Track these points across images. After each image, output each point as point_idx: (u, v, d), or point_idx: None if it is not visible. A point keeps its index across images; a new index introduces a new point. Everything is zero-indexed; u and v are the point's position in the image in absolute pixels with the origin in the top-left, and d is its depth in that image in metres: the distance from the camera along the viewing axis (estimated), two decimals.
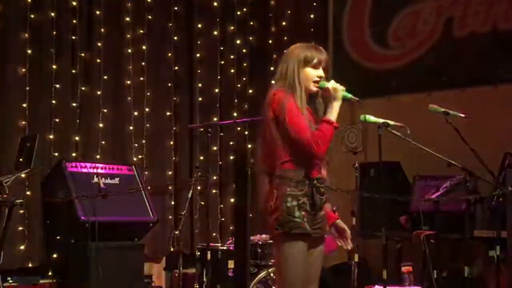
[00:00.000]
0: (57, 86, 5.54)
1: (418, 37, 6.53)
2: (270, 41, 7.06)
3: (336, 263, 6.10)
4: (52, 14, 5.52)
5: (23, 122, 5.32)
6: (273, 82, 3.39)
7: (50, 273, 5.30)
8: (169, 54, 6.36)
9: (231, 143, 6.69)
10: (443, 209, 5.35)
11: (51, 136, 5.47)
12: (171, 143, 6.33)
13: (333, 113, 3.24)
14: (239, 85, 6.84)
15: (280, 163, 3.18)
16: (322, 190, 3.25)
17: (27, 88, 5.35)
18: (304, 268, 3.22)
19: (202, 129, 6.02)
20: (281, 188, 3.15)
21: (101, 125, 5.80)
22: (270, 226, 3.17)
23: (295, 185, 3.15)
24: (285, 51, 3.40)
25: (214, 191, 6.50)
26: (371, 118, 4.10)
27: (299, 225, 3.13)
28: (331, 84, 3.28)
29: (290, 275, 3.16)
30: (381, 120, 4.05)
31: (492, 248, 4.82)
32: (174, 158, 6.35)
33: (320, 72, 3.31)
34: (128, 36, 6.04)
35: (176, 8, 6.43)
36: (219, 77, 6.72)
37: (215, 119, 6.54)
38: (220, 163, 6.60)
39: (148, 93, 6.17)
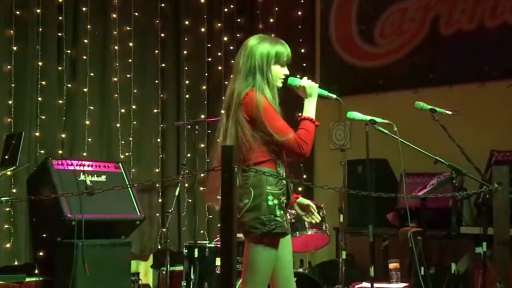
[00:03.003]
0: (43, 83, 5.50)
1: (405, 34, 6.54)
2: None
3: (323, 260, 6.11)
4: (38, 10, 5.48)
5: (9, 119, 5.28)
6: (235, 76, 3.28)
7: (36, 271, 5.27)
8: (156, 51, 6.33)
9: (219, 140, 6.67)
10: (430, 206, 5.36)
11: (37, 133, 5.43)
12: (158, 140, 6.31)
13: (312, 110, 3.22)
14: (226, 82, 6.82)
15: (255, 163, 3.12)
16: (292, 187, 3.23)
17: (13, 85, 5.31)
18: (285, 264, 3.23)
19: (189, 126, 6.01)
20: (260, 187, 3.09)
21: (87, 122, 5.76)
22: (247, 225, 3.10)
23: (275, 184, 3.10)
24: (246, 44, 3.28)
25: (201, 188, 6.48)
26: (358, 115, 4.11)
27: (281, 224, 3.10)
28: (305, 82, 3.26)
29: (264, 274, 3.13)
30: (368, 117, 4.06)
31: (478, 244, 4.84)
32: (161, 155, 6.33)
33: (286, 70, 3.27)
34: (115, 33, 6.01)
35: (162, 5, 6.40)
36: (206, 74, 6.71)
37: (202, 116, 6.52)
38: (208, 160, 6.58)
39: (135, 90, 6.15)
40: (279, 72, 3.24)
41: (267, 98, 3.17)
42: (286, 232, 3.15)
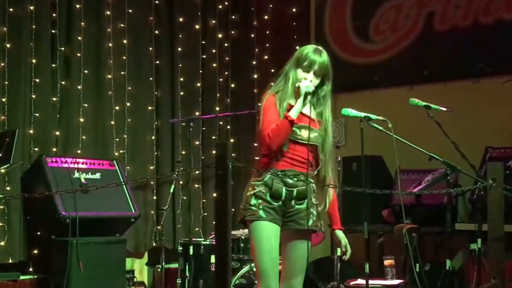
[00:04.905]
0: (37, 80, 5.47)
1: (400, 31, 6.55)
2: (252, 35, 7.04)
3: (318, 257, 6.11)
4: (31, 7, 5.45)
5: (2, 117, 5.25)
6: None
7: (30, 269, 5.25)
8: (150, 48, 6.31)
9: (214, 137, 6.67)
10: (425, 203, 5.38)
11: (31, 131, 5.40)
12: (153, 137, 6.29)
13: (294, 109, 3.34)
14: (221, 79, 6.81)
15: (261, 155, 3.40)
16: (290, 182, 3.31)
17: (6, 82, 5.28)
18: (289, 260, 3.36)
19: (184, 124, 6.00)
20: (250, 180, 3.39)
21: (81, 119, 5.74)
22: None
23: (257, 175, 3.34)
24: None
25: (196, 185, 6.48)
26: (353, 112, 4.11)
27: (253, 212, 3.29)
28: (298, 85, 3.37)
29: (260, 261, 3.27)
30: (363, 114, 4.06)
31: (473, 241, 4.85)
32: (156, 152, 6.31)
33: (309, 75, 3.38)
34: (109, 30, 5.98)
35: (157, 2, 6.38)
36: (201, 71, 6.69)
37: (197, 113, 6.51)
38: (203, 157, 6.57)
39: (129, 88, 6.12)
40: (300, 75, 3.39)
41: (277, 97, 3.37)
42: (260, 220, 3.29)
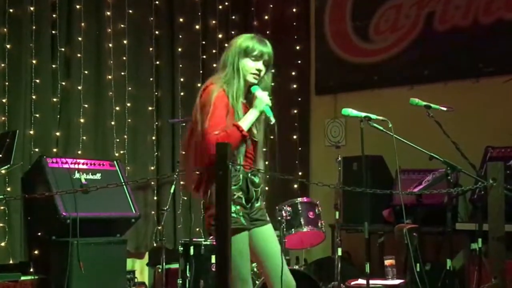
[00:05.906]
0: (37, 81, 5.48)
1: (400, 31, 6.55)
2: None
3: (319, 257, 6.11)
4: (31, 8, 5.45)
5: (3, 118, 5.26)
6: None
7: (31, 270, 5.25)
8: (150, 49, 6.31)
9: None
10: (425, 203, 5.37)
11: (31, 132, 5.41)
12: (153, 138, 6.29)
13: (247, 120, 3.16)
14: None
15: (209, 156, 3.04)
16: (257, 182, 3.23)
17: (6, 83, 5.29)
18: (269, 257, 3.22)
19: (184, 124, 6.00)
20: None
21: (82, 120, 5.75)
22: (207, 223, 3.17)
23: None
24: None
25: None
26: (353, 112, 4.12)
27: (236, 220, 3.09)
28: (258, 94, 3.22)
29: (242, 270, 3.12)
30: (363, 114, 4.06)
31: (474, 240, 4.85)
32: (156, 153, 6.31)
33: (259, 65, 3.25)
34: (109, 30, 5.99)
35: (157, 2, 6.38)
36: (201, 72, 6.69)
37: None
38: None
39: (129, 88, 6.13)
40: (249, 66, 3.24)
41: (227, 92, 3.18)
42: (243, 228, 3.13)
